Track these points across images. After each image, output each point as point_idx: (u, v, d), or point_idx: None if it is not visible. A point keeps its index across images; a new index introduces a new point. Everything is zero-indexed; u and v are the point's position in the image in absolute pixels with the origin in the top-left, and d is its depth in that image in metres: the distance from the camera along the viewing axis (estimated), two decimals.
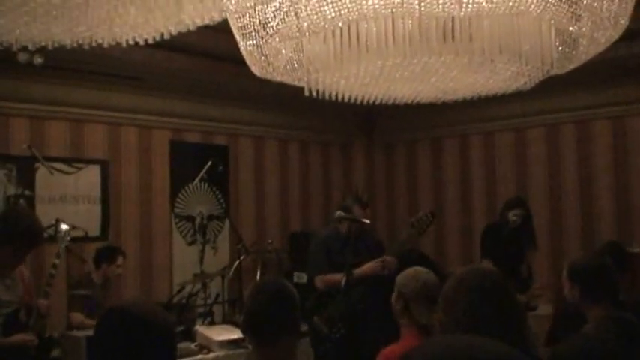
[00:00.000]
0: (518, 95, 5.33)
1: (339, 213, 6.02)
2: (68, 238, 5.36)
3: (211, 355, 5.75)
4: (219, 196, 9.03)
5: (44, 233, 4.96)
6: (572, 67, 4.45)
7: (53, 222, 5.69)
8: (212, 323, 6.41)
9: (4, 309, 4.49)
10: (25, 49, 4.16)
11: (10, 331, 4.48)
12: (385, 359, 3.58)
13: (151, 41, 3.70)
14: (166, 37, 3.58)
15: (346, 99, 4.86)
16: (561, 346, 3.23)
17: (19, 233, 4.45)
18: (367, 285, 5.94)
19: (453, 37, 3.76)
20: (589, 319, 3.34)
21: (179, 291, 6.82)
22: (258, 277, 8.54)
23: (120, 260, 6.67)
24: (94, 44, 3.69)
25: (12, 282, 4.58)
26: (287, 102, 8.34)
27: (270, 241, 9.15)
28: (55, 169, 7.26)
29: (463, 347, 1.32)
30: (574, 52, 4.28)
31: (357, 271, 5.83)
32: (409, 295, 3.65)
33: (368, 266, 5.89)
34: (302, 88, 4.64)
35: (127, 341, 2.14)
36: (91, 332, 5.06)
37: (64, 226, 5.27)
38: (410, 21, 3.74)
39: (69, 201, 7.57)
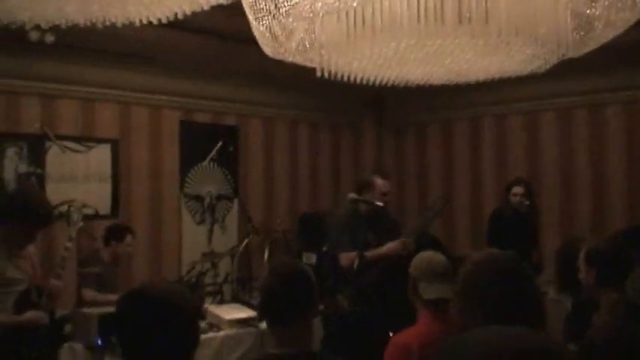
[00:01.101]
0: (530, 78, 5.30)
1: (352, 195, 5.99)
2: (81, 223, 5.35)
3: (221, 333, 5.76)
4: (229, 176, 9.02)
5: (54, 212, 4.96)
6: (587, 50, 4.43)
7: (64, 200, 5.69)
8: (222, 302, 6.42)
9: (15, 287, 4.50)
10: (36, 27, 4.15)
11: (22, 310, 4.49)
12: (396, 347, 3.56)
13: (164, 21, 3.68)
14: (180, 16, 3.56)
15: (358, 80, 4.85)
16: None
17: (29, 212, 4.45)
18: (385, 265, 5.91)
19: (469, 18, 3.74)
20: (602, 305, 3.33)
21: (190, 270, 6.83)
22: (266, 257, 8.56)
23: (129, 239, 6.67)
24: (107, 23, 3.67)
25: (22, 261, 4.59)
26: (297, 83, 8.31)
27: (278, 221, 9.16)
28: (66, 148, 7.27)
29: (505, 340, 1.31)
30: (590, 35, 4.26)
31: (377, 252, 5.86)
32: (416, 275, 3.70)
33: (388, 247, 5.89)
34: (313, 69, 4.63)
35: (152, 321, 2.20)
36: (102, 310, 5.11)
37: (76, 211, 5.25)
38: (425, 1, 3.72)
39: (79, 179, 7.57)
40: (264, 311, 2.66)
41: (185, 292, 2.37)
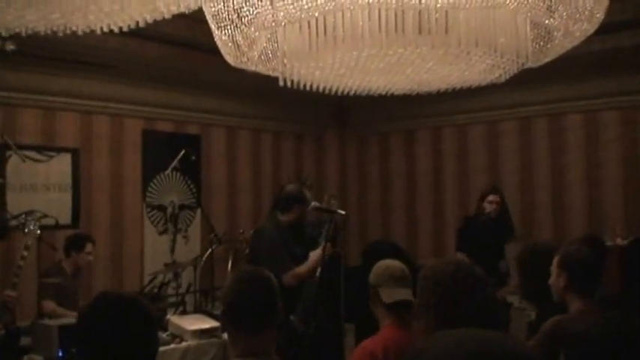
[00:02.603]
0: (490, 88, 5.35)
1: (315, 203, 5.90)
2: (38, 232, 5.30)
3: (184, 344, 5.71)
4: (191, 186, 8.99)
5: (10, 224, 4.91)
6: (547, 60, 4.49)
7: (24, 211, 5.63)
8: (184, 313, 6.39)
9: None
10: (3, 37, 4.12)
11: None
12: (361, 353, 3.60)
13: (125, 29, 3.66)
14: (141, 24, 3.55)
15: (321, 90, 4.87)
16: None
17: None
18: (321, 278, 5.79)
19: (429, 29, 3.78)
20: (570, 310, 3.36)
21: (151, 280, 6.80)
22: (229, 266, 8.53)
23: (89, 247, 6.62)
24: (68, 32, 3.65)
25: None
26: (260, 92, 8.34)
27: (241, 231, 9.13)
28: (27, 157, 7.19)
29: (475, 342, 1.32)
30: (549, 46, 4.32)
31: (307, 265, 5.69)
32: (376, 282, 3.76)
33: (313, 256, 5.69)
34: (276, 79, 4.64)
35: (115, 326, 2.21)
36: (63, 321, 5.05)
37: (32, 220, 5.19)
38: (386, 12, 3.75)
39: (40, 189, 7.49)
40: (227, 319, 2.62)
41: (145, 302, 2.32)
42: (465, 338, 1.34)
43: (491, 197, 7.22)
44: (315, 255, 5.71)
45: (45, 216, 7.11)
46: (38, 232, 5.27)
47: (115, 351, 2.19)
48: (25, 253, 4.91)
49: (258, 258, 5.67)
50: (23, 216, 5.30)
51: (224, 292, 2.64)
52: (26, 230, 5.06)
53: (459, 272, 2.40)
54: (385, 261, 3.90)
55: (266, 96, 8.69)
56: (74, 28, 3.60)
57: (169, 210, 8.71)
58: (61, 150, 7.74)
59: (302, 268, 5.71)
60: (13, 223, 6.50)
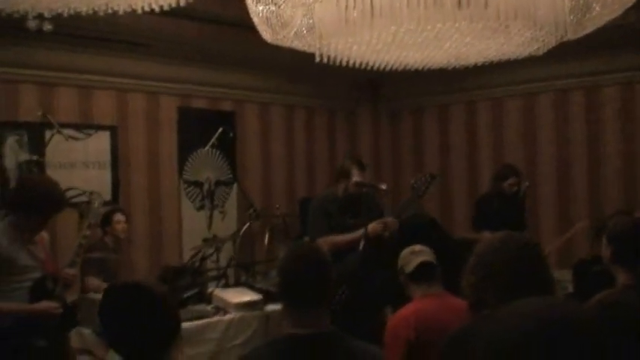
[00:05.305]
0: (526, 61, 5.32)
1: (355, 178, 5.97)
2: (101, 211, 5.37)
3: (227, 316, 5.82)
4: (227, 162, 9.05)
5: (65, 199, 4.97)
6: (585, 32, 4.46)
7: (66, 187, 5.67)
8: (226, 286, 6.47)
9: (30, 274, 4.51)
10: (36, 16, 4.16)
11: (37, 298, 4.49)
12: (395, 319, 3.85)
13: (166, 8, 3.69)
14: (183, 4, 3.57)
15: (357, 65, 4.87)
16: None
17: (40, 200, 4.47)
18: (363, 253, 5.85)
19: (468, 2, 3.77)
20: (617, 283, 3.39)
21: (195, 255, 6.90)
22: (266, 241, 8.62)
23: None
24: (109, 11, 3.68)
25: (34, 247, 4.61)
26: (292, 68, 8.35)
27: (277, 206, 9.20)
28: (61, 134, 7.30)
29: (544, 310, 1.35)
30: (587, 17, 4.29)
31: (342, 237, 5.83)
32: (401, 262, 4.19)
33: (370, 227, 5.78)
34: (308, 54, 4.66)
35: (119, 316, 2.54)
36: None
37: (97, 198, 5.20)
38: None
39: (79, 167, 7.60)
40: (282, 293, 2.69)
41: (150, 287, 2.61)
42: (532, 307, 1.37)
43: (511, 180, 7.19)
44: (369, 227, 5.78)
45: (85, 193, 7.20)
46: (101, 211, 5.33)
47: (125, 337, 2.50)
48: (88, 232, 4.94)
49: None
50: (88, 194, 5.32)
51: (279, 267, 2.72)
52: (90, 208, 5.09)
53: (516, 244, 2.45)
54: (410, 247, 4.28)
55: (298, 72, 8.71)
56: (116, 8, 3.64)
57: (206, 186, 8.79)
58: (99, 128, 7.84)
59: (338, 237, 5.81)
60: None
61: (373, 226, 5.78)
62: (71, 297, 5.30)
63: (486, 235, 5.36)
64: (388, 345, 3.88)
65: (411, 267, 4.06)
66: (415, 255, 4.11)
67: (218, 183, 8.93)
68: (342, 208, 6.02)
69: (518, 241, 2.49)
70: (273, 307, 5.99)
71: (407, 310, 3.95)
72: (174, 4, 3.64)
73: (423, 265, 4.04)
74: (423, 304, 3.95)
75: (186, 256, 7.69)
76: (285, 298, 2.69)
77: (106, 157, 7.88)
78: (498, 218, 6.74)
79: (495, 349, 1.31)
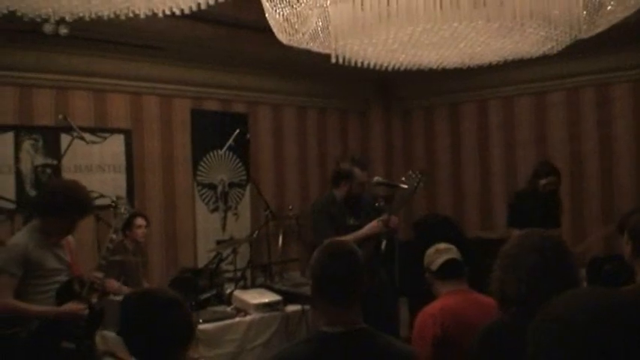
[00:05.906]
0: (537, 59, 5.33)
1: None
2: (126, 215, 5.41)
3: (248, 317, 5.88)
4: (240, 164, 9.09)
5: (91, 203, 4.99)
6: (599, 30, 4.48)
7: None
8: (245, 287, 6.51)
9: (57, 277, 4.55)
10: (57, 21, 4.18)
11: (64, 301, 4.53)
12: (423, 315, 3.90)
13: (187, 11, 3.72)
14: (203, 7, 3.59)
15: (372, 66, 4.90)
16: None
17: (68, 204, 4.50)
18: (370, 246, 5.95)
19: (484, 1, 3.80)
20: (637, 279, 3.42)
21: (215, 257, 6.95)
22: (280, 243, 8.65)
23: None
24: (131, 15, 3.71)
25: (61, 250, 4.65)
26: (304, 69, 8.39)
27: (290, 207, 9.23)
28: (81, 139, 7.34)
29: (595, 299, 1.39)
30: (601, 15, 4.32)
31: (359, 233, 5.88)
32: (427, 261, 4.23)
33: (369, 226, 5.91)
34: (320, 55, 4.68)
35: (126, 323, 2.75)
36: None
37: (123, 205, 5.24)
38: None
39: (94, 170, 7.66)
40: (315, 291, 2.71)
41: (154, 296, 2.80)
42: (582, 298, 1.42)
43: (550, 178, 7.06)
44: (367, 228, 5.91)
45: (101, 196, 7.24)
46: (127, 215, 5.37)
47: (136, 340, 2.70)
48: (114, 236, 4.98)
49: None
50: (115, 198, 5.35)
51: (311, 265, 2.73)
52: (117, 211, 5.12)
53: (547, 242, 2.50)
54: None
55: (310, 73, 8.74)
56: (137, 12, 3.67)
57: (219, 188, 8.84)
58: (114, 131, 7.89)
59: (346, 238, 5.83)
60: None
61: (372, 225, 5.91)
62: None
63: (515, 232, 5.38)
64: (415, 341, 3.94)
65: (436, 265, 4.11)
66: (440, 253, 4.16)
67: (232, 185, 8.97)
68: (343, 209, 6.10)
69: (542, 238, 2.53)
70: (292, 307, 6.05)
71: (433, 307, 4.00)
72: (195, 8, 3.67)
73: (448, 263, 4.09)
74: (448, 301, 4.00)
75: (201, 257, 7.74)
76: (318, 295, 2.72)
77: (121, 160, 7.93)
78: (531, 216, 6.71)
79: (570, 329, 1.35)
